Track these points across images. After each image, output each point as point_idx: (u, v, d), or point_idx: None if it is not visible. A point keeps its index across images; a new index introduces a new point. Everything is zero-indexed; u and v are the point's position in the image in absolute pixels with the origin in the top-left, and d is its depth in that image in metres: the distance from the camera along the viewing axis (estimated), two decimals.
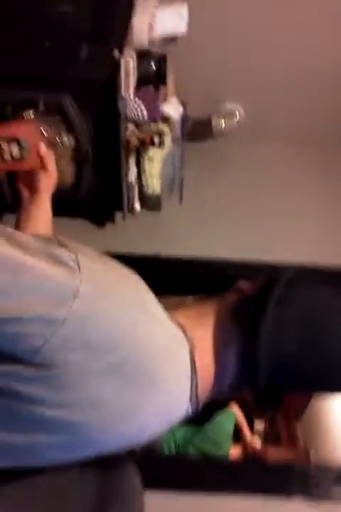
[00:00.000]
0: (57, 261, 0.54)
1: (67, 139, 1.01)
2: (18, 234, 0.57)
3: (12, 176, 1.02)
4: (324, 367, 0.63)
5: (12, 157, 0.93)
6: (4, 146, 0.92)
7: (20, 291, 0.51)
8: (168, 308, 0.68)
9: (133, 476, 0.74)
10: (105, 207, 1.88)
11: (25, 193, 0.99)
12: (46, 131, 0.96)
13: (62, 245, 0.57)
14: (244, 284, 0.71)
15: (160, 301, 0.64)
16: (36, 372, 0.52)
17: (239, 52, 1.90)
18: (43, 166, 0.94)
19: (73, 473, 0.65)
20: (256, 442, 2.86)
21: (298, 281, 0.67)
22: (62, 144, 1.01)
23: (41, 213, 0.97)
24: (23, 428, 0.56)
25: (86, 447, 0.61)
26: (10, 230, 0.56)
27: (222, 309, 0.68)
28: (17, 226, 0.97)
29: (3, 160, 0.93)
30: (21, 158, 0.93)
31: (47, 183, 0.97)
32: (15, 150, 0.92)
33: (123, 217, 1.81)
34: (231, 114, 2.09)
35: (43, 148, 0.93)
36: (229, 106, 2.09)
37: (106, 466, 0.67)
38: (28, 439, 0.57)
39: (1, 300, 0.50)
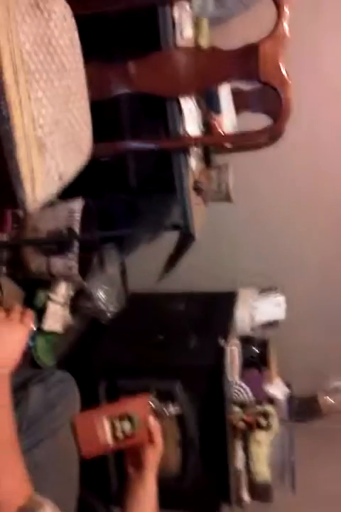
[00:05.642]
0: None
1: (173, 409, 1.02)
2: None
3: (120, 463, 1.00)
4: None
5: (124, 434, 0.92)
6: (117, 424, 0.91)
7: None
8: None
9: None
10: (211, 497, 1.74)
11: (131, 469, 0.96)
12: (153, 402, 0.96)
13: None
14: None
15: None
16: None
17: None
18: (151, 439, 0.93)
19: None
20: None
21: None
22: (168, 414, 1.01)
23: (147, 496, 0.93)
24: None
25: None
26: None
27: None
28: (123, 508, 0.93)
29: (116, 439, 0.92)
30: (132, 433, 0.92)
31: (154, 457, 0.95)
32: (127, 426, 0.91)
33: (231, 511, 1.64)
34: (338, 391, 2.02)
35: (152, 421, 0.93)
36: (334, 383, 2.04)
37: None
38: None
39: None
